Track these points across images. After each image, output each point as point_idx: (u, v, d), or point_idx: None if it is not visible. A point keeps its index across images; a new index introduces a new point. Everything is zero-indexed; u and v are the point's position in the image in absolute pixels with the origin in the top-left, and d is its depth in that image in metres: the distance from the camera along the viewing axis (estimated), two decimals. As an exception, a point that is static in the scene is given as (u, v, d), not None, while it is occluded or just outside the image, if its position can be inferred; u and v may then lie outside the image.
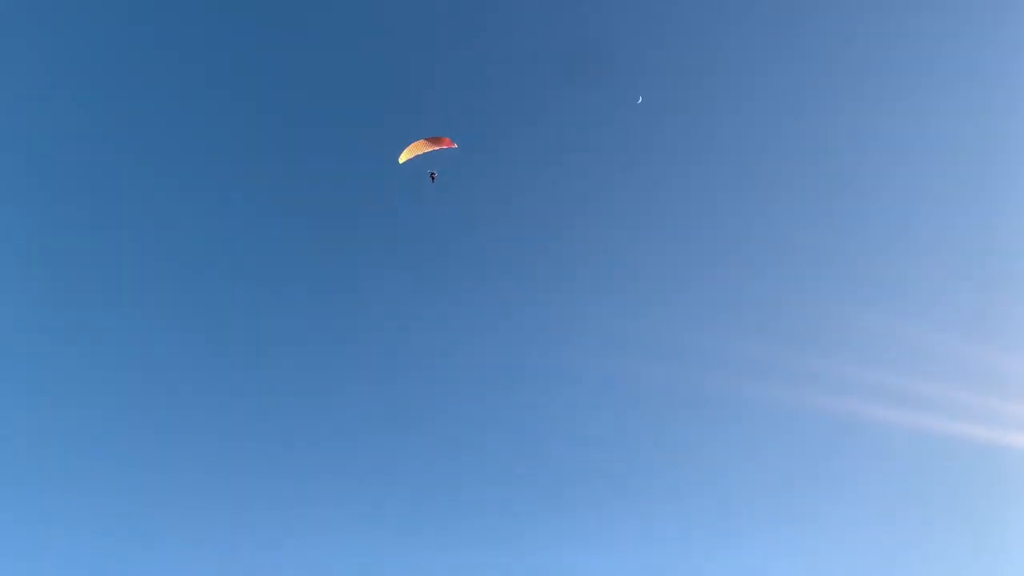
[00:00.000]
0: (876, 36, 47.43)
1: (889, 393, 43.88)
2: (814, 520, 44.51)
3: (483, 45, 50.08)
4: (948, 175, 48.52)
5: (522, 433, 48.10)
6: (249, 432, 46.47)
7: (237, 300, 49.34)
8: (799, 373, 45.82)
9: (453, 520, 44.23)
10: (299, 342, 49.62)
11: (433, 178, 29.16)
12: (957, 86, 46.91)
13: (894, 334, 45.70)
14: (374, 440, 47.19)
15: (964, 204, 48.12)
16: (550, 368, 48.73)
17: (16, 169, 44.00)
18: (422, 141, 27.30)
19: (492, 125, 49.62)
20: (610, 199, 51.04)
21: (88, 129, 46.27)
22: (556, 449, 47.50)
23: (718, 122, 50.05)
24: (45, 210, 45.58)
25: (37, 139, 44.75)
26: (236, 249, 49.47)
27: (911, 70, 47.94)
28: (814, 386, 45.23)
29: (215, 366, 48.14)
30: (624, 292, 50.18)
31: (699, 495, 45.61)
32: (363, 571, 41.46)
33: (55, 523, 40.67)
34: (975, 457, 43.06)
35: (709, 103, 50.00)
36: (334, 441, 46.97)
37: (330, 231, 51.06)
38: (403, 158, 27.48)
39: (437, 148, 27.52)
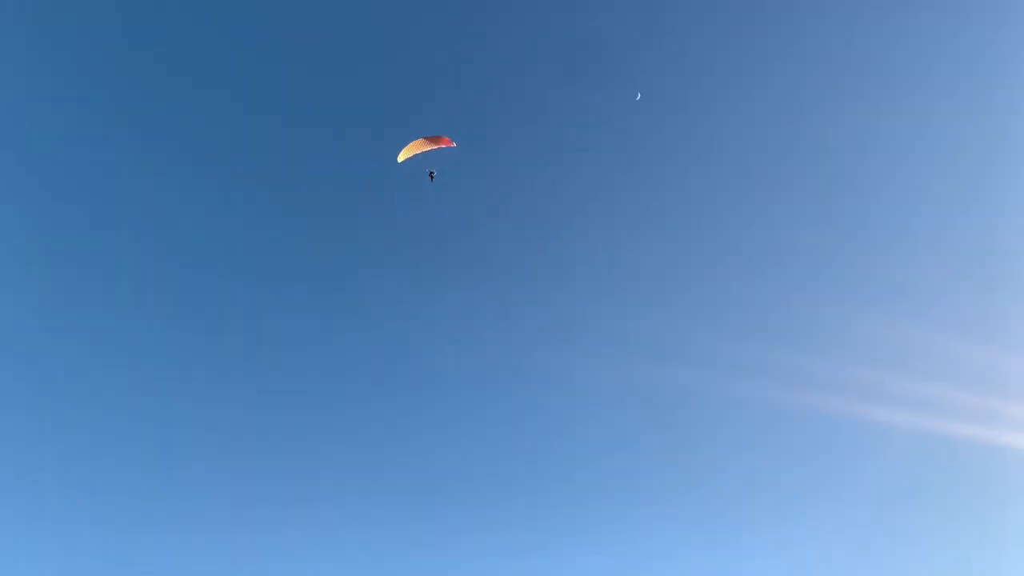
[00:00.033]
0: (876, 36, 47.54)
1: (889, 393, 43.97)
2: (814, 520, 44.60)
3: (483, 45, 50.18)
4: (948, 175, 48.58)
5: (521, 433, 48.19)
6: (249, 432, 46.55)
7: (236, 300, 49.44)
8: (799, 373, 45.88)
9: (452, 520, 44.32)
10: (298, 342, 49.72)
11: (432, 177, 29.18)
12: (957, 86, 46.99)
13: (894, 334, 45.74)
14: (372, 440, 47.32)
15: (964, 204, 48.20)
16: (550, 368, 48.82)
17: (16, 169, 44.14)
18: (421, 140, 27.33)
19: (492, 125, 49.73)
20: (610, 199, 51.16)
21: (88, 128, 46.43)
22: (555, 449, 47.61)
23: (718, 122, 50.17)
24: (45, 209, 45.68)
25: (37, 138, 44.88)
26: (235, 249, 49.56)
27: (911, 70, 48.03)
28: (814, 386, 45.31)
29: (215, 366, 48.28)
30: (624, 292, 50.28)
31: (699, 495, 45.72)
32: (363, 571, 41.60)
33: (54, 523, 40.84)
34: (974, 457, 43.10)
35: (709, 103, 50.13)
36: (333, 441, 47.07)
37: (329, 231, 51.18)
38: (402, 157, 27.50)
39: (436, 147, 27.54)
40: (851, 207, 50.25)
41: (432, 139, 27.39)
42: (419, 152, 27.46)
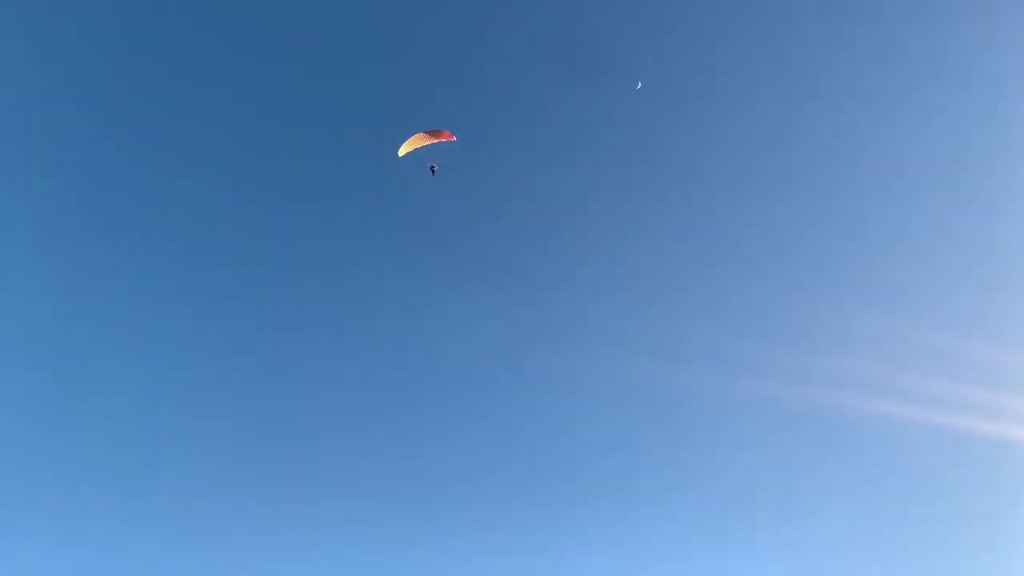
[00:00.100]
0: (876, 36, 47.66)
1: (890, 391, 43.92)
2: (815, 519, 44.44)
3: (484, 44, 50.35)
4: (948, 175, 48.67)
5: (521, 432, 48.10)
6: (248, 431, 46.58)
7: (235, 299, 49.50)
8: (799, 372, 45.87)
9: (452, 520, 44.18)
10: (297, 342, 49.73)
11: (433, 171, 29.17)
12: (957, 86, 47.09)
13: (895, 332, 45.67)
14: (372, 440, 47.20)
15: (965, 202, 48.30)
16: (550, 368, 48.75)
17: (17, 168, 44.18)
18: (421, 134, 27.35)
19: (492, 125, 49.81)
20: (610, 199, 51.18)
21: (89, 126, 46.54)
22: (555, 448, 47.51)
23: (718, 122, 50.28)
24: (49, 205, 45.82)
25: (38, 136, 44.96)
26: (234, 248, 49.66)
27: (911, 71, 48.12)
28: (815, 385, 45.27)
29: (214, 366, 48.27)
30: (624, 292, 50.25)
31: (700, 495, 45.55)
32: (363, 571, 41.41)
33: (53, 520, 40.70)
34: (980, 453, 43.07)
35: (709, 103, 50.20)
36: (332, 440, 46.98)
37: (329, 231, 51.21)
38: (403, 151, 27.53)
39: (436, 141, 27.56)
40: (851, 207, 50.43)
41: (432, 133, 27.43)
42: (420, 146, 27.49)
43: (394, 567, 41.36)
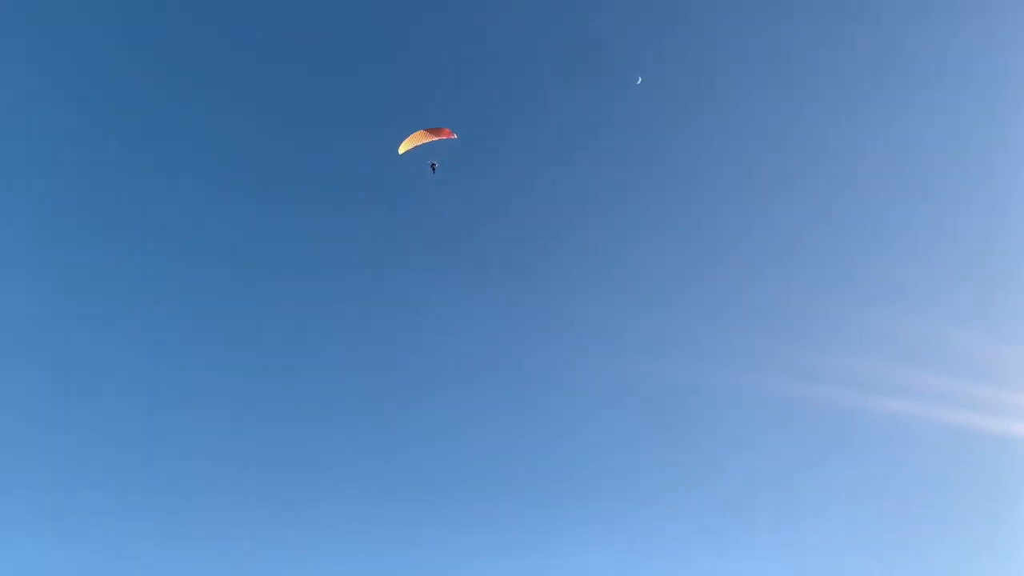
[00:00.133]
0: (876, 36, 47.70)
1: (892, 388, 43.96)
2: (816, 518, 44.42)
3: (484, 44, 50.39)
4: (948, 174, 48.70)
5: (521, 431, 48.10)
6: (248, 431, 46.51)
7: (234, 298, 49.43)
8: (800, 370, 45.85)
9: (452, 519, 44.14)
10: (297, 341, 49.67)
11: (434, 169, 29.16)
12: (957, 86, 47.12)
13: (896, 329, 45.66)
14: (372, 439, 47.14)
15: (965, 200, 48.31)
16: (550, 366, 48.75)
17: (17, 168, 44.16)
18: (421, 132, 27.34)
19: (492, 124, 49.83)
20: (610, 198, 51.19)
21: (89, 126, 46.53)
22: (555, 448, 47.48)
23: (718, 122, 50.28)
24: (45, 209, 45.78)
25: (38, 136, 44.95)
26: (233, 246, 49.60)
27: (911, 70, 48.18)
28: (816, 384, 45.24)
29: (213, 365, 48.21)
30: (624, 291, 50.23)
31: (700, 494, 45.52)
32: (363, 571, 41.35)
33: (52, 520, 40.63)
34: (982, 450, 43.13)
35: (709, 103, 50.24)
36: (332, 440, 46.92)
37: (329, 229, 51.15)
38: (403, 148, 27.53)
39: (437, 138, 27.56)
40: (851, 205, 50.49)
41: (433, 131, 27.41)
42: (420, 144, 27.49)
43: (394, 567, 41.40)
